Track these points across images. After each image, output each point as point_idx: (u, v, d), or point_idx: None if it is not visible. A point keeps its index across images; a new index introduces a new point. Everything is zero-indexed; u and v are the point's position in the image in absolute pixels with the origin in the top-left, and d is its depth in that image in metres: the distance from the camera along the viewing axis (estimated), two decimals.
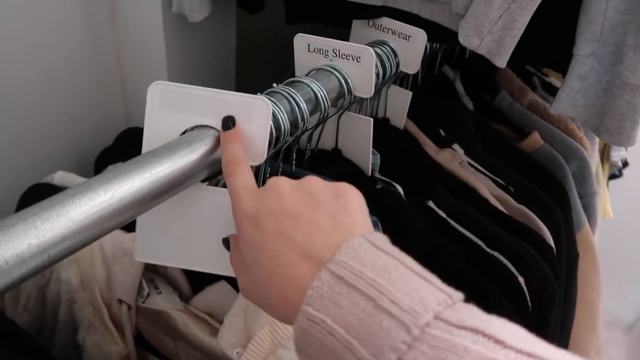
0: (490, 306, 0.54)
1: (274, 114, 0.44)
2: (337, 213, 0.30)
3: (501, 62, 0.51)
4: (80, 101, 0.69)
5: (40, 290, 0.52)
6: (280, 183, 0.32)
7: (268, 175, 0.53)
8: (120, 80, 0.72)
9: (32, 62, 0.62)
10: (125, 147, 0.69)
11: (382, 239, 0.29)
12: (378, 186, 0.60)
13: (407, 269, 0.26)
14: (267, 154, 0.47)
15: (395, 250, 0.28)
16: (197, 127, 0.40)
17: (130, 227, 0.50)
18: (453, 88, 0.88)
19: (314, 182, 0.33)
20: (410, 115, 0.70)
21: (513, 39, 0.49)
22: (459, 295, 0.25)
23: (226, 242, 0.38)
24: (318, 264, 0.27)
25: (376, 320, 0.24)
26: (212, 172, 0.40)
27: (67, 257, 0.32)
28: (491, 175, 0.71)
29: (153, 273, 0.51)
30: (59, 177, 0.59)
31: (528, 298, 0.58)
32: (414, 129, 0.72)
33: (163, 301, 0.49)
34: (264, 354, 0.43)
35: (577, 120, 0.54)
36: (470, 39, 0.50)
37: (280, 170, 0.55)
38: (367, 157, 0.60)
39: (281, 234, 0.30)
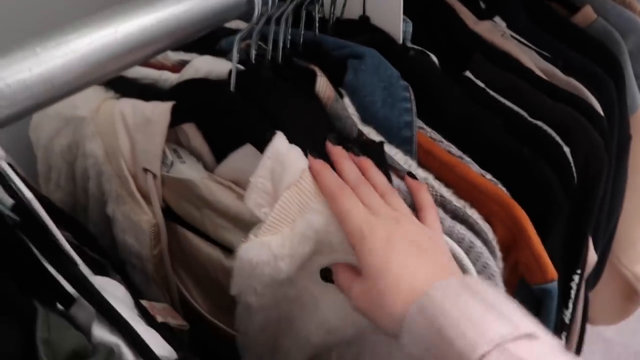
0: (533, 177, 0.51)
1: None
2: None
3: None
4: None
5: (69, 167, 0.53)
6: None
7: (289, 40, 0.49)
8: None
9: None
10: None
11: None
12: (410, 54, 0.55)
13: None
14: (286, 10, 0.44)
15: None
16: None
17: (149, 96, 0.49)
18: None
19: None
20: None
21: None
22: (527, 328, 0.32)
23: (325, 273, 0.42)
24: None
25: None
26: (237, 15, 0.37)
27: (76, 92, 0.31)
28: (536, 49, 0.65)
29: (176, 144, 0.50)
30: None
31: (574, 169, 0.54)
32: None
33: (187, 170, 0.48)
34: (292, 216, 0.42)
35: None
36: None
37: (302, 36, 0.51)
38: (397, 24, 0.56)
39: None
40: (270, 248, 0.40)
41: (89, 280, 0.34)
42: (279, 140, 0.42)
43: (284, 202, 0.41)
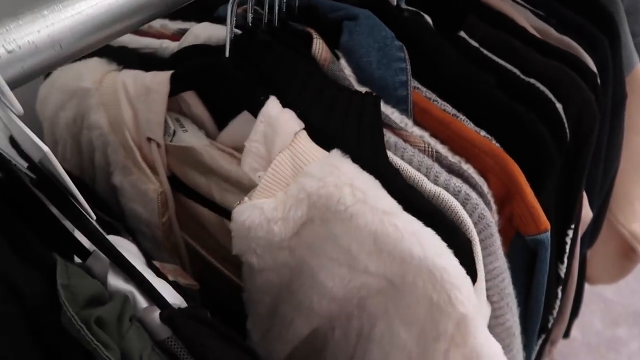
0: (526, 134, 0.52)
1: None
2: None
3: None
4: None
5: (74, 139, 0.54)
6: None
7: (285, 4, 0.50)
8: None
9: None
10: None
11: None
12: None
13: None
14: None
15: None
16: None
17: (151, 65, 0.50)
18: None
19: None
20: None
21: None
22: None
23: None
24: None
25: None
26: None
27: (82, 54, 0.32)
28: (531, 7, 0.66)
29: (178, 113, 0.51)
30: None
31: (566, 125, 0.55)
32: None
33: (190, 138, 0.49)
34: (285, 179, 0.42)
35: None
36: None
37: None
38: None
39: None
40: (263, 211, 0.40)
41: (103, 233, 0.36)
42: (271, 104, 0.43)
43: (276, 166, 0.42)
